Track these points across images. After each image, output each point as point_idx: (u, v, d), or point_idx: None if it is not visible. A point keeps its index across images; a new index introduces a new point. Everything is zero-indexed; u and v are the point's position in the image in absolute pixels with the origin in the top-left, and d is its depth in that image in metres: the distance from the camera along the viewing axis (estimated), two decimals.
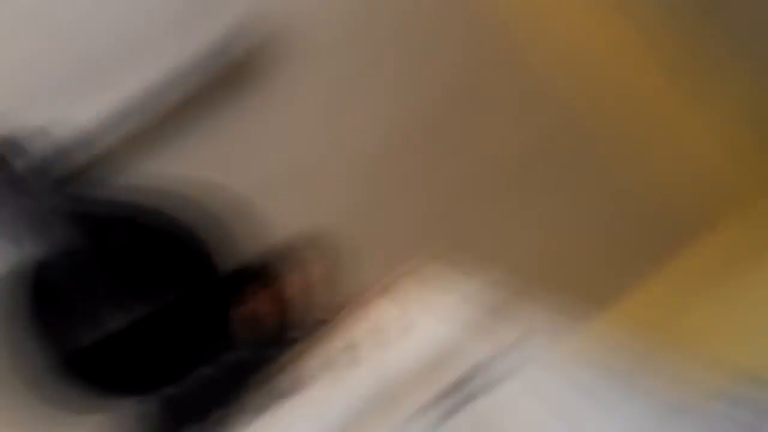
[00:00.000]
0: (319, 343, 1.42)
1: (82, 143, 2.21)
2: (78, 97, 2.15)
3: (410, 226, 2.33)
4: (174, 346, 0.71)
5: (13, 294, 0.54)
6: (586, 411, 0.38)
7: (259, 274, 1.96)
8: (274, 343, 1.62)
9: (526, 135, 2.45)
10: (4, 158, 0.54)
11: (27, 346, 0.64)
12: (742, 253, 1.31)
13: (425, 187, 2.37)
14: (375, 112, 2.35)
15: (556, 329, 0.46)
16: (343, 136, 2.31)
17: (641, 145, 2.38)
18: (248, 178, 2.29)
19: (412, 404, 0.52)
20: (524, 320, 0.52)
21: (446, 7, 2.18)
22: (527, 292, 0.58)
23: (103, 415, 0.69)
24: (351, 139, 2.31)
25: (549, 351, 0.43)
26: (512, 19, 2.21)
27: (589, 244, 2.43)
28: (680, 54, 1.60)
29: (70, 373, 0.63)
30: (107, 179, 2.26)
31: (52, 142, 0.65)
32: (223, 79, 2.24)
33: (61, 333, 0.62)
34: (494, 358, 0.47)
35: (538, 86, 2.35)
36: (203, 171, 2.27)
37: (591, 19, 1.69)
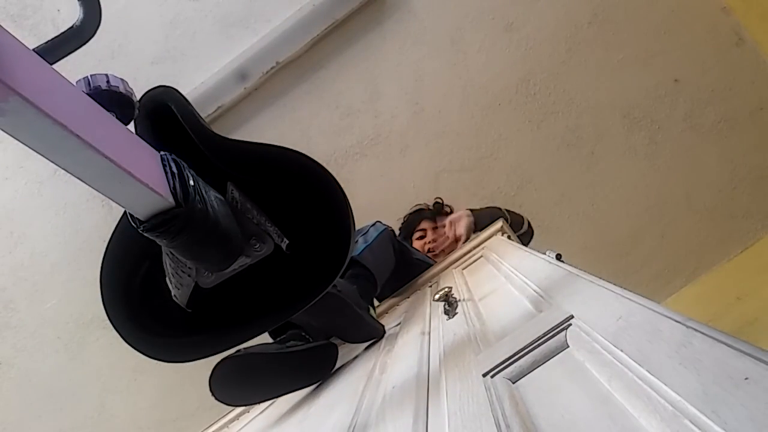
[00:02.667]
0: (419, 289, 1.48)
1: (209, 98, 2.36)
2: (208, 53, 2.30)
3: (502, 183, 2.30)
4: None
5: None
6: (629, 397, 0.38)
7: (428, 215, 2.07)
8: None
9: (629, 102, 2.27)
10: (132, 99, 0.55)
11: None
12: None
13: (520, 146, 2.32)
14: (492, 65, 2.30)
15: (613, 311, 0.45)
16: (461, 84, 2.30)
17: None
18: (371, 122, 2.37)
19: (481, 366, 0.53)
20: (580, 300, 0.51)
21: None
22: (592, 270, 0.56)
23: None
24: (468, 88, 2.30)
25: (600, 334, 0.43)
26: None
27: (664, 230, 2.27)
28: None
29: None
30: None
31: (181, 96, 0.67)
32: (346, 23, 2.30)
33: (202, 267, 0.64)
34: (544, 335, 0.48)
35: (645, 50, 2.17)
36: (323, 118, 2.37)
37: None
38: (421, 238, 2.04)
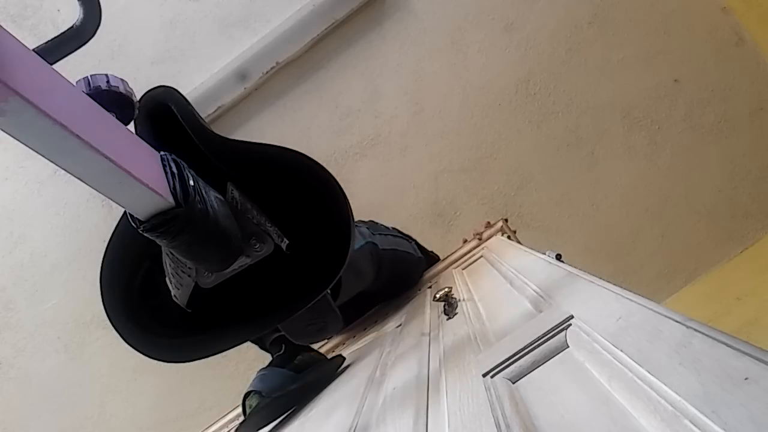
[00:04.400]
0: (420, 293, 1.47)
1: (210, 98, 2.36)
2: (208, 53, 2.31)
3: (502, 183, 2.31)
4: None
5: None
6: (629, 398, 0.38)
7: None
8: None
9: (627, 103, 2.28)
10: (132, 99, 0.55)
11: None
12: None
13: (520, 146, 2.33)
14: (492, 66, 2.31)
15: (613, 311, 0.45)
16: (461, 84, 2.31)
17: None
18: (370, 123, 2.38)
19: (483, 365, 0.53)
20: (580, 300, 0.51)
21: None
22: (592, 270, 0.56)
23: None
24: (468, 88, 2.30)
25: (600, 334, 0.43)
26: None
27: (664, 230, 2.28)
28: None
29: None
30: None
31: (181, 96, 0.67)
32: (345, 23, 2.31)
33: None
34: (544, 335, 0.48)
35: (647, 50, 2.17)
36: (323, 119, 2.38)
37: None
38: None
